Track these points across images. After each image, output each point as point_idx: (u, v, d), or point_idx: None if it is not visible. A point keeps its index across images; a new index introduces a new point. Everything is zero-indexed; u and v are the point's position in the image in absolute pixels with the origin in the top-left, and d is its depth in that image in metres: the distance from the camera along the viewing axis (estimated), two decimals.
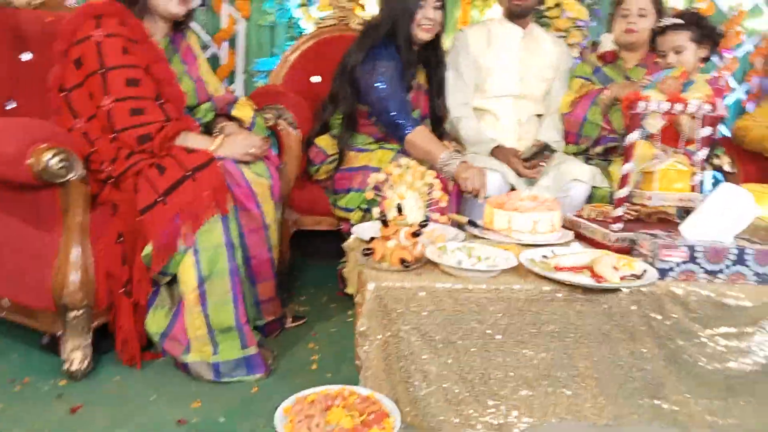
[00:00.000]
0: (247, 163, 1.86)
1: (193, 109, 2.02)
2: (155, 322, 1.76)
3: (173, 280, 1.76)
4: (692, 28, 2.09)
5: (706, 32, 2.10)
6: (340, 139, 2.25)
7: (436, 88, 2.34)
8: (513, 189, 2.24)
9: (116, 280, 1.73)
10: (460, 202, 2.23)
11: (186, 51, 1.99)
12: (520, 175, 2.29)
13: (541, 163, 2.32)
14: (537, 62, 2.48)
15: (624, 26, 2.35)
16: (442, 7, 2.19)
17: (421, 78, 2.31)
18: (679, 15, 2.16)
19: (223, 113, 2.10)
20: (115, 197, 1.76)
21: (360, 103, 2.23)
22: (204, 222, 1.68)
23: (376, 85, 2.12)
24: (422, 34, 2.19)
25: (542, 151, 2.29)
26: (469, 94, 2.47)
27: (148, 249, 1.68)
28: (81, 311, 1.67)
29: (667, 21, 2.13)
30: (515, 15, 2.44)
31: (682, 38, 2.10)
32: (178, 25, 1.95)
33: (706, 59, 2.18)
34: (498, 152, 2.34)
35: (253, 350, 1.73)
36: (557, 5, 2.97)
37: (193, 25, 2.82)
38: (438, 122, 2.37)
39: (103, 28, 1.72)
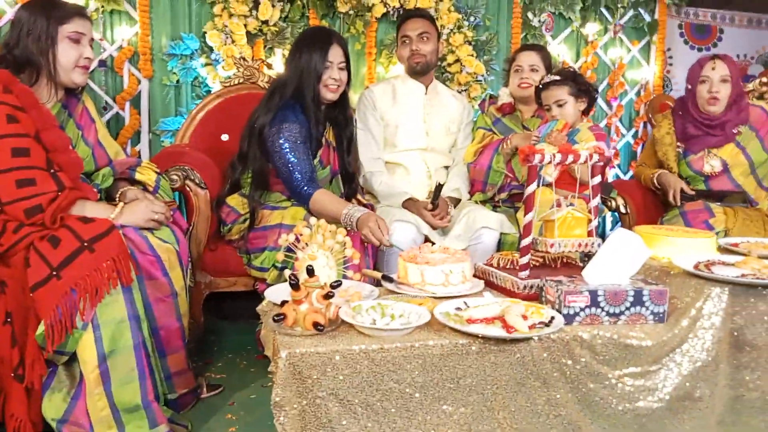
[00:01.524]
0: (151, 229, 1.79)
1: (92, 175, 1.93)
2: (53, 407, 1.62)
3: (72, 359, 1.63)
4: (569, 83, 2.29)
5: (583, 87, 2.31)
6: (251, 198, 2.22)
7: (346, 145, 2.36)
8: (426, 240, 2.28)
9: (5, 364, 1.58)
10: (376, 255, 2.24)
11: (81, 115, 1.91)
12: (432, 227, 2.34)
13: (449, 212, 2.39)
14: (441, 116, 2.59)
15: (518, 81, 2.52)
16: (347, 67, 2.24)
17: (330, 135, 2.33)
18: (558, 72, 2.35)
19: (125, 177, 2.01)
20: (3, 274, 1.63)
21: (268, 165, 2.22)
22: (104, 295, 1.58)
23: (281, 148, 2.12)
24: (329, 94, 2.22)
25: (438, 192, 2.36)
26: (379, 148, 2.53)
27: (42, 328, 1.55)
28: None
29: (548, 78, 2.32)
30: (416, 72, 2.55)
31: (562, 93, 2.29)
32: (72, 90, 1.87)
33: (586, 111, 2.36)
34: (410, 205, 2.39)
35: (163, 429, 1.63)
36: (457, 61, 3.12)
37: (94, 85, 2.75)
38: (350, 178, 2.39)
39: None
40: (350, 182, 2.38)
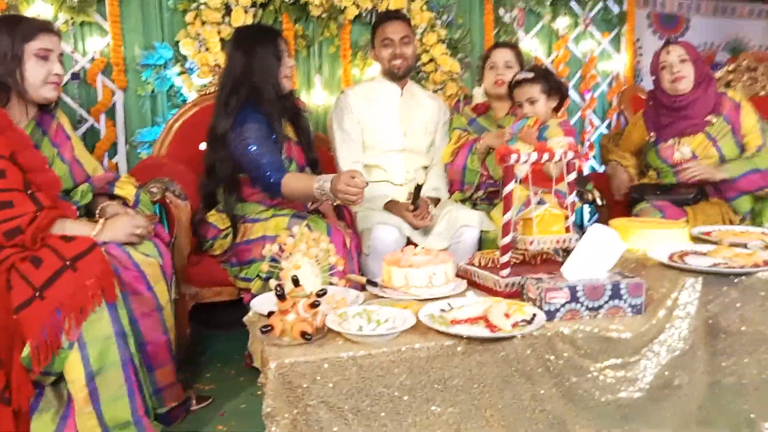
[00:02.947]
0: (133, 244, 1.79)
1: (70, 192, 1.92)
2: (41, 428, 1.61)
3: (59, 379, 1.63)
4: (542, 81, 2.33)
5: (554, 85, 2.35)
6: (228, 207, 2.21)
7: (305, 135, 2.36)
8: (409, 241, 2.31)
9: None
10: (360, 259, 2.26)
11: (56, 132, 1.90)
12: (414, 227, 2.36)
13: (430, 212, 2.42)
14: (417, 117, 2.61)
15: (493, 78, 2.54)
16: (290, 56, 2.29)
17: (287, 130, 2.32)
18: (530, 70, 2.39)
19: (104, 193, 2.00)
20: None
21: (238, 171, 2.21)
22: (89, 313, 1.58)
23: (246, 149, 2.12)
24: (288, 83, 2.25)
25: (418, 192, 2.38)
26: (357, 151, 2.55)
27: (27, 350, 1.55)
28: None
29: (520, 76, 2.35)
30: (398, 76, 2.57)
31: (534, 90, 2.33)
32: (45, 107, 1.86)
33: (557, 108, 2.40)
34: (391, 206, 2.42)
35: None
36: (431, 60, 3.15)
37: (67, 99, 2.72)
38: (314, 164, 2.39)
39: None
40: (315, 169, 2.38)
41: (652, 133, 2.58)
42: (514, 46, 2.66)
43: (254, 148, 2.11)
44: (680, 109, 2.47)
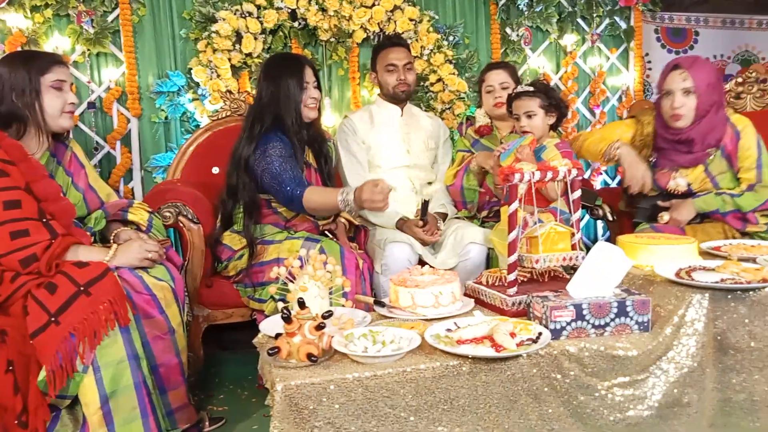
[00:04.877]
0: (145, 268, 1.83)
1: (84, 219, 1.97)
2: None
3: (74, 403, 1.67)
4: (541, 95, 2.32)
5: (553, 101, 2.33)
6: (246, 230, 2.24)
7: (324, 162, 2.40)
8: (421, 259, 2.32)
9: (9, 412, 1.61)
10: (372, 278, 2.28)
11: (70, 162, 1.96)
12: (423, 243, 2.38)
13: (439, 227, 2.44)
14: (418, 135, 2.67)
15: (492, 101, 2.56)
16: (319, 87, 2.32)
17: (309, 157, 2.37)
18: (530, 84, 2.37)
19: (118, 219, 2.05)
20: (3, 323, 1.67)
21: (259, 192, 2.25)
22: (103, 337, 1.62)
23: (269, 165, 2.16)
24: (311, 113, 2.29)
25: (426, 208, 2.39)
26: (363, 171, 2.59)
27: (43, 374, 1.59)
28: None
29: (520, 88, 2.36)
30: (401, 99, 2.63)
31: (533, 104, 2.32)
32: (59, 137, 1.92)
33: (555, 126, 2.39)
34: (402, 224, 2.44)
35: None
36: (439, 80, 3.19)
37: (84, 127, 2.81)
38: None
39: None
40: None
41: (654, 154, 2.37)
42: (507, 66, 2.67)
43: (277, 163, 2.15)
44: (678, 143, 2.28)
